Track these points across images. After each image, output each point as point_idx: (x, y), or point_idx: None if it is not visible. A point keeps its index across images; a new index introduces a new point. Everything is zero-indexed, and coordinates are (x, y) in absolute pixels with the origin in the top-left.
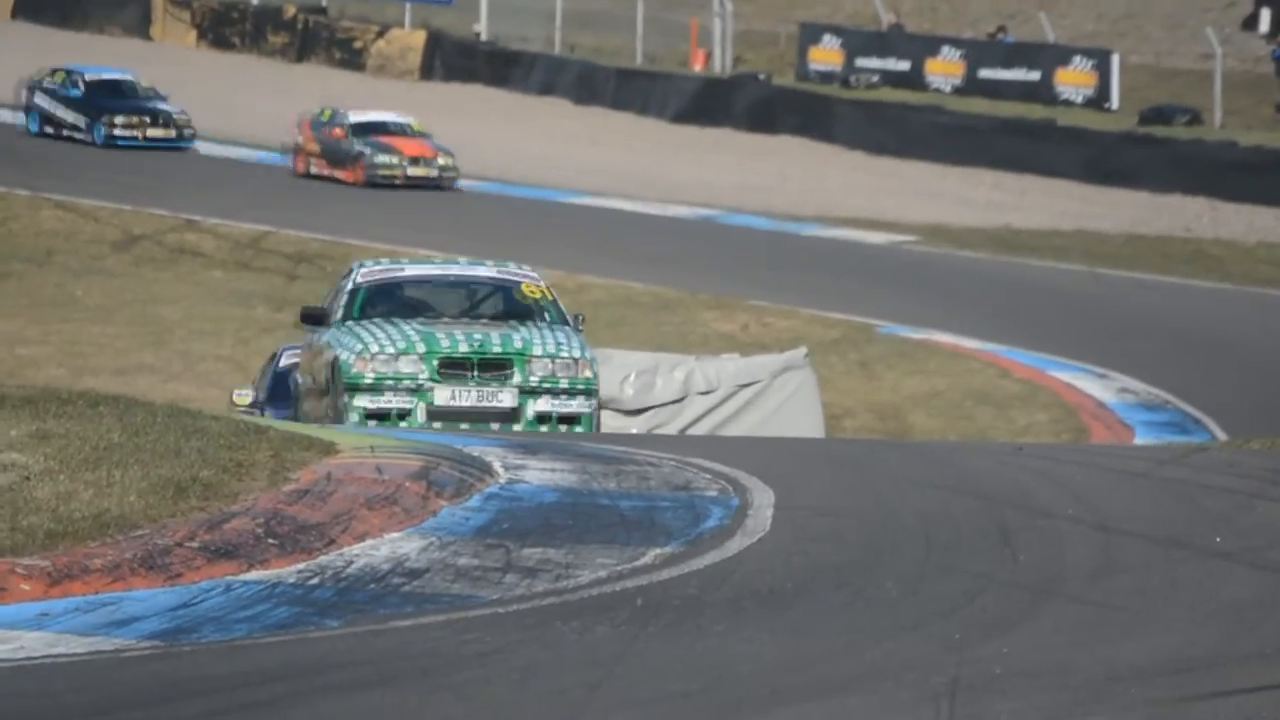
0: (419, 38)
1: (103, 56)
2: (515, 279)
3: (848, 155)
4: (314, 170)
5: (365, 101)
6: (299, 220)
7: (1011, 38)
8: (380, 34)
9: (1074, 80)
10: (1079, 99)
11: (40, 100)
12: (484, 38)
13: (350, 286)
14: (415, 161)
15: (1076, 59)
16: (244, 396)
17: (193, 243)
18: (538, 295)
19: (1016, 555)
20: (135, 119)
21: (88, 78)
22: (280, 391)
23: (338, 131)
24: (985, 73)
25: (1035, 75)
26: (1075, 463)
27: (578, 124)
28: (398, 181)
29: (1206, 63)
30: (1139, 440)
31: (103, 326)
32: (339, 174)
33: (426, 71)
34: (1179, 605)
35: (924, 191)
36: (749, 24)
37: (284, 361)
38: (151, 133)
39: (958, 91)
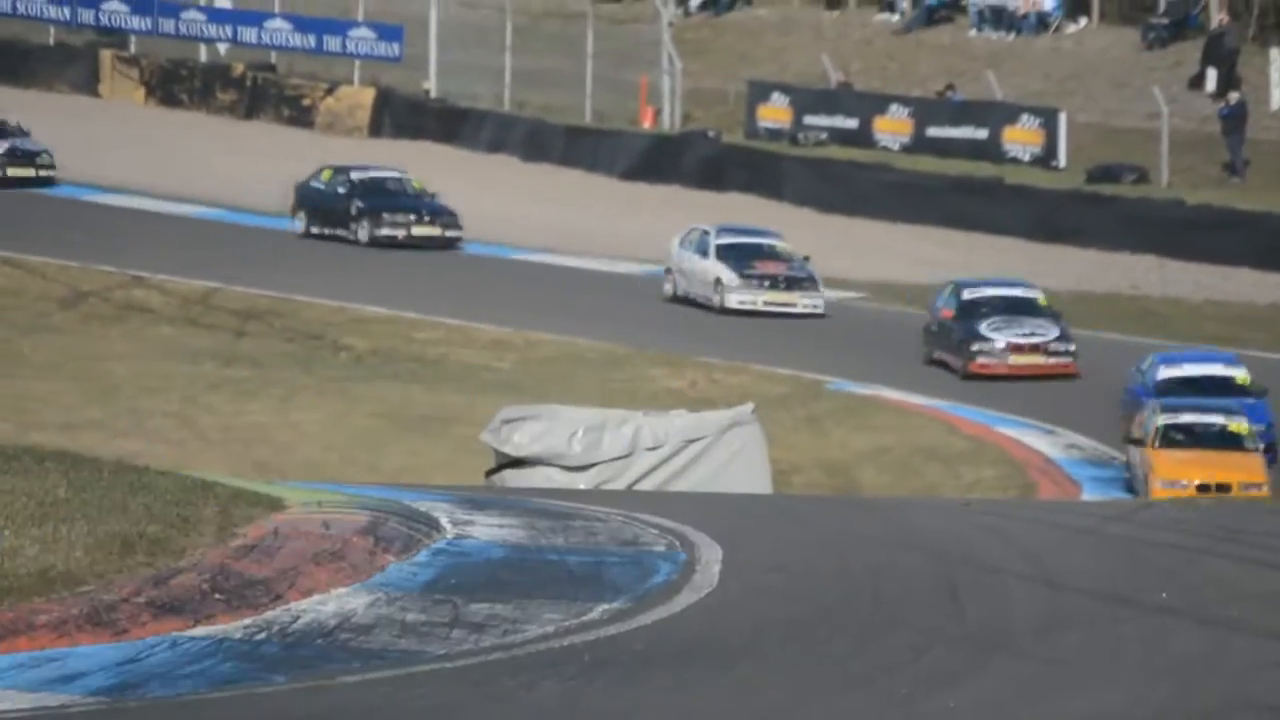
0: (368, 95)
1: (50, 114)
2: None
3: (796, 212)
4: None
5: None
6: (247, 276)
7: (960, 96)
8: (329, 91)
9: (1022, 138)
10: (1026, 157)
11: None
12: (433, 95)
13: None
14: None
15: (1024, 117)
16: None
17: (141, 299)
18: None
19: (964, 610)
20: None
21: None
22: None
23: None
24: (933, 131)
25: (983, 133)
26: (1022, 518)
27: (527, 181)
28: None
29: (1153, 122)
30: (1086, 496)
31: (50, 383)
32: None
33: (375, 128)
34: (1126, 661)
35: (872, 248)
36: (698, 82)
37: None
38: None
39: (906, 149)
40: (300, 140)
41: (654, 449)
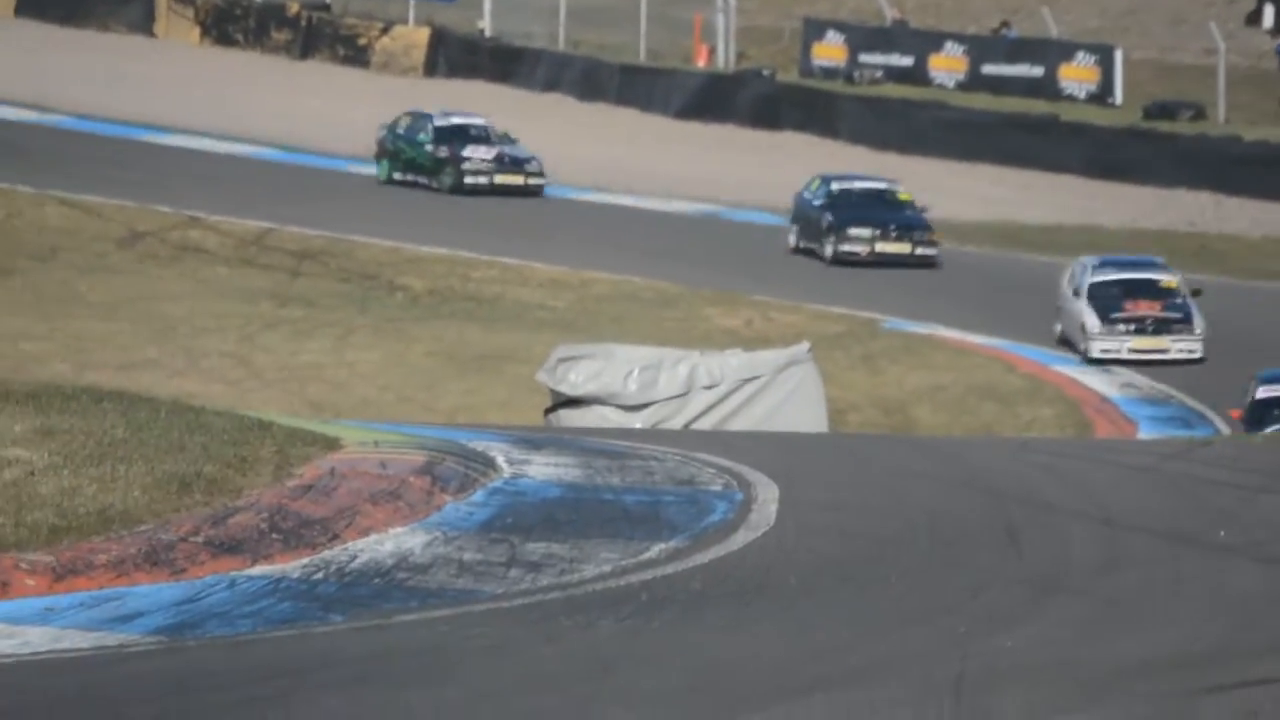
0: (423, 34)
1: (106, 54)
2: None
3: (851, 151)
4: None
5: (375, 97)
6: (303, 216)
7: (1015, 33)
8: (384, 31)
9: (1077, 76)
10: (1082, 94)
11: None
12: (488, 34)
13: None
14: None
15: (1080, 54)
16: None
17: (196, 239)
18: None
19: (1021, 550)
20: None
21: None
22: None
23: None
24: (989, 68)
25: (1039, 71)
26: (1079, 458)
27: (581, 120)
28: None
29: (1210, 58)
30: (1143, 435)
31: (107, 323)
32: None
33: (430, 68)
34: (1183, 600)
35: (927, 187)
36: (752, 20)
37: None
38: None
39: (961, 87)
40: (355, 80)
41: (710, 388)
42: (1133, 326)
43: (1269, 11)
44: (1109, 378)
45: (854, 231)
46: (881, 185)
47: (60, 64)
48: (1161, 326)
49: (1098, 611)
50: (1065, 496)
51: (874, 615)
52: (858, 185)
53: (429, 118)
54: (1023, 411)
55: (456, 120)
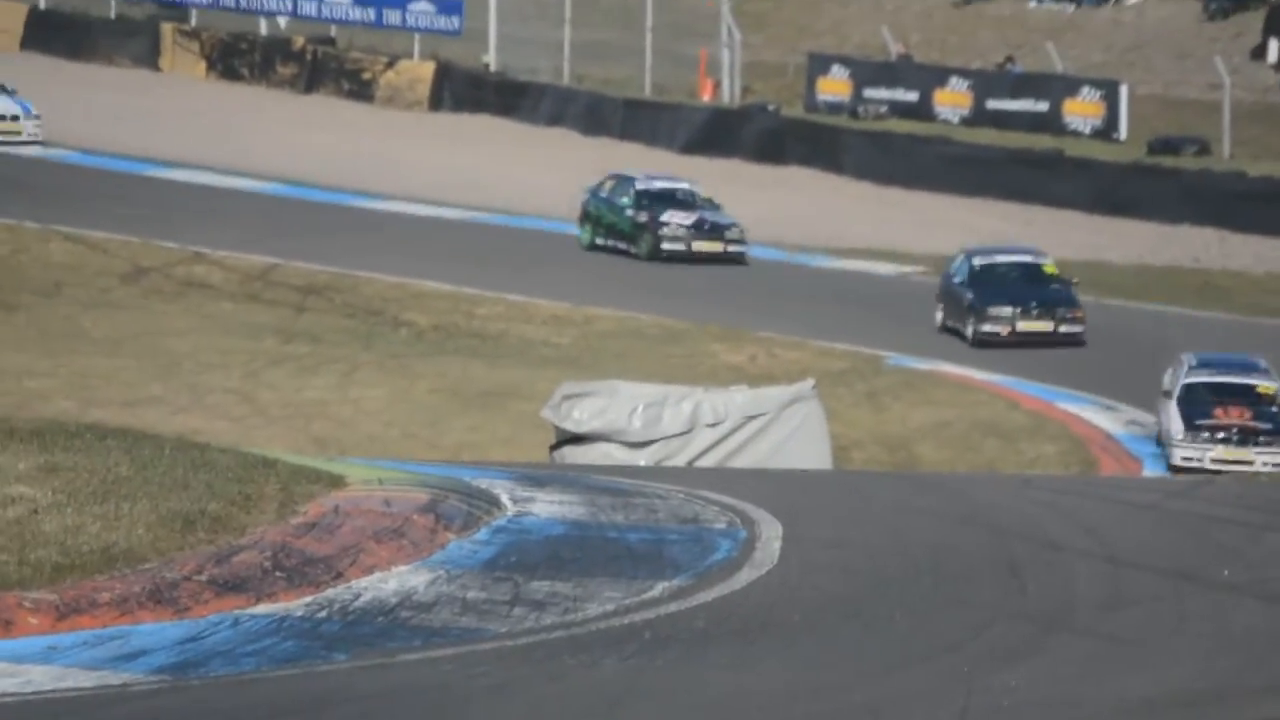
0: (428, 69)
1: (111, 88)
2: None
3: (856, 186)
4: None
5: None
6: (308, 252)
7: (1019, 68)
8: (389, 65)
9: (1082, 111)
10: (1087, 130)
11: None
12: (493, 68)
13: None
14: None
15: (1084, 89)
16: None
17: (201, 275)
18: None
19: (1025, 587)
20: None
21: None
22: None
23: None
24: (993, 103)
25: (1043, 106)
26: (1083, 495)
27: (586, 154)
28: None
29: (1215, 93)
30: (1147, 472)
31: (111, 359)
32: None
33: (435, 102)
34: (1188, 638)
35: (932, 222)
36: (757, 55)
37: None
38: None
39: (966, 122)
40: (360, 114)
41: (714, 425)
42: (1219, 435)
43: (1274, 46)
44: (1113, 415)
45: (994, 311)
46: (1027, 258)
47: (66, 98)
48: (1248, 437)
49: (1101, 649)
50: (1069, 534)
51: (878, 653)
52: (1000, 259)
53: (631, 181)
54: (1026, 448)
55: (659, 184)
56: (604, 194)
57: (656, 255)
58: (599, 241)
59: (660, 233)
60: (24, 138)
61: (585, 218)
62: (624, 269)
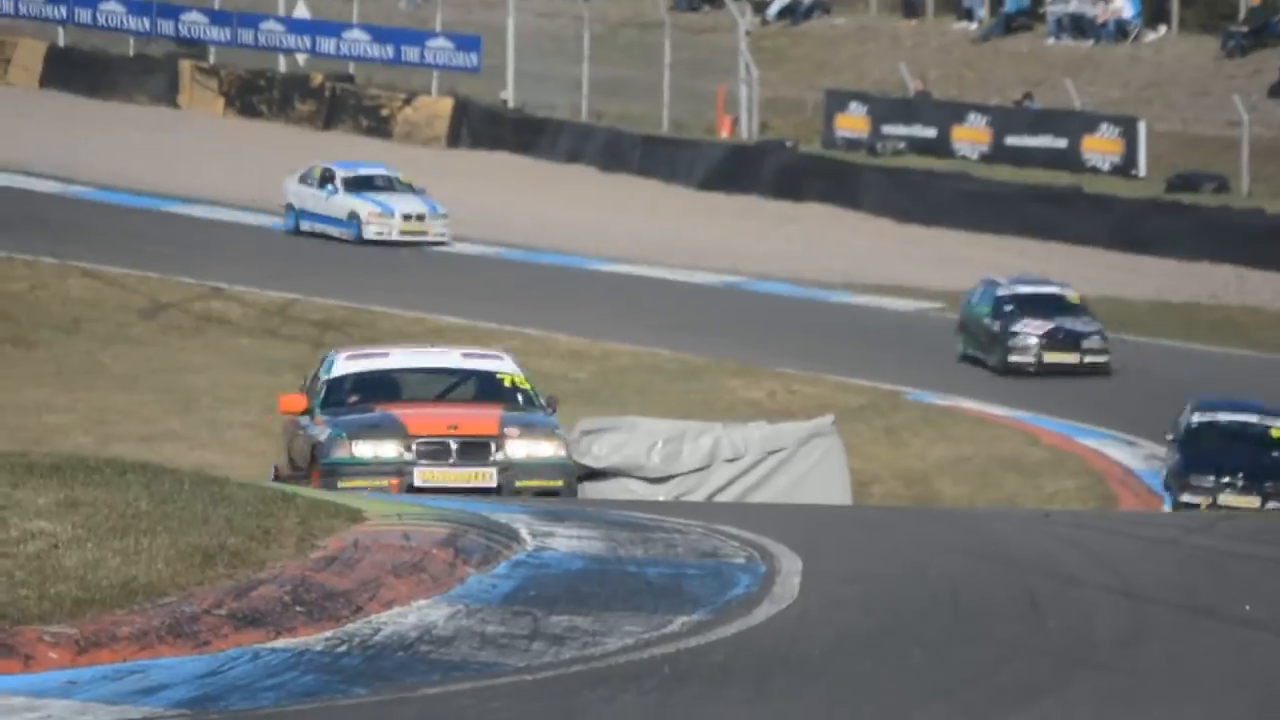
0: (446, 105)
1: (130, 125)
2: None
3: (874, 222)
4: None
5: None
6: (326, 288)
7: (1038, 105)
8: (407, 101)
9: (1101, 147)
10: (1106, 166)
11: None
12: (511, 105)
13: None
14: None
15: (1103, 126)
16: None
17: (219, 310)
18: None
19: (1045, 622)
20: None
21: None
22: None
23: None
24: (1012, 140)
25: (1062, 142)
26: (1103, 530)
27: (604, 191)
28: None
29: (1233, 130)
30: (1167, 507)
31: (129, 394)
32: None
33: (454, 139)
34: (1208, 674)
35: (950, 258)
36: (775, 91)
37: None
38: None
39: (984, 158)
40: (378, 150)
41: (733, 460)
42: (1225, 480)
43: None
44: (1133, 450)
45: (1018, 341)
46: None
47: (85, 135)
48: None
49: (1121, 685)
50: (1088, 569)
51: (897, 688)
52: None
53: (995, 284)
54: (1045, 484)
55: (1024, 289)
56: (975, 299)
57: (1005, 369)
58: (970, 352)
59: (1009, 344)
60: (429, 238)
61: (961, 327)
62: (644, 304)
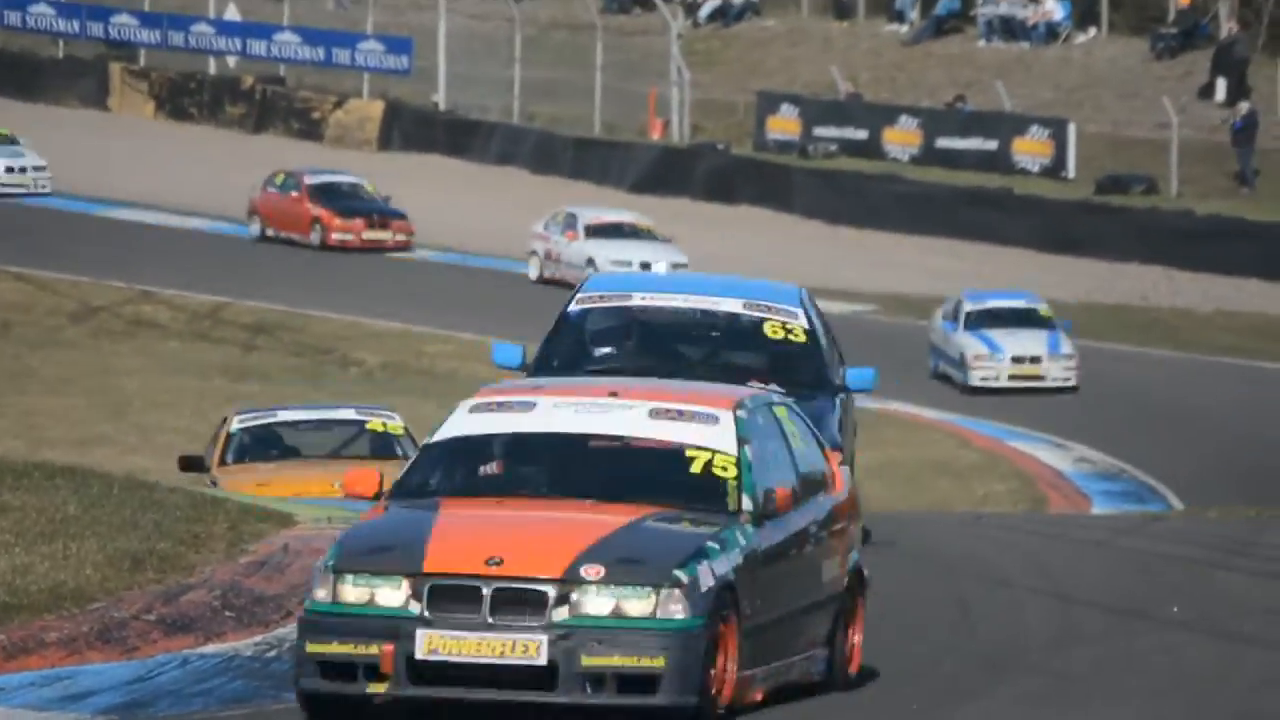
0: (377, 108)
1: (60, 128)
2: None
3: (806, 224)
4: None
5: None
6: (257, 290)
7: (969, 107)
8: (338, 104)
9: (1031, 149)
10: (1036, 168)
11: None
12: (442, 107)
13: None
14: None
15: (1033, 128)
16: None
17: (150, 314)
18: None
19: (975, 625)
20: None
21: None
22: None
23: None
24: (942, 142)
25: (992, 144)
26: (1034, 532)
27: (536, 193)
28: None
29: (1163, 132)
30: (1096, 509)
31: (60, 398)
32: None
33: (385, 141)
34: (1138, 676)
35: (882, 261)
36: (707, 93)
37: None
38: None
39: (915, 161)
40: (309, 153)
41: None
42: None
43: (1221, 85)
44: (1063, 452)
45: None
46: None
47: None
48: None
49: (1051, 687)
50: (1019, 571)
51: (829, 689)
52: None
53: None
54: (977, 487)
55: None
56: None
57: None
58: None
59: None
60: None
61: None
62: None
